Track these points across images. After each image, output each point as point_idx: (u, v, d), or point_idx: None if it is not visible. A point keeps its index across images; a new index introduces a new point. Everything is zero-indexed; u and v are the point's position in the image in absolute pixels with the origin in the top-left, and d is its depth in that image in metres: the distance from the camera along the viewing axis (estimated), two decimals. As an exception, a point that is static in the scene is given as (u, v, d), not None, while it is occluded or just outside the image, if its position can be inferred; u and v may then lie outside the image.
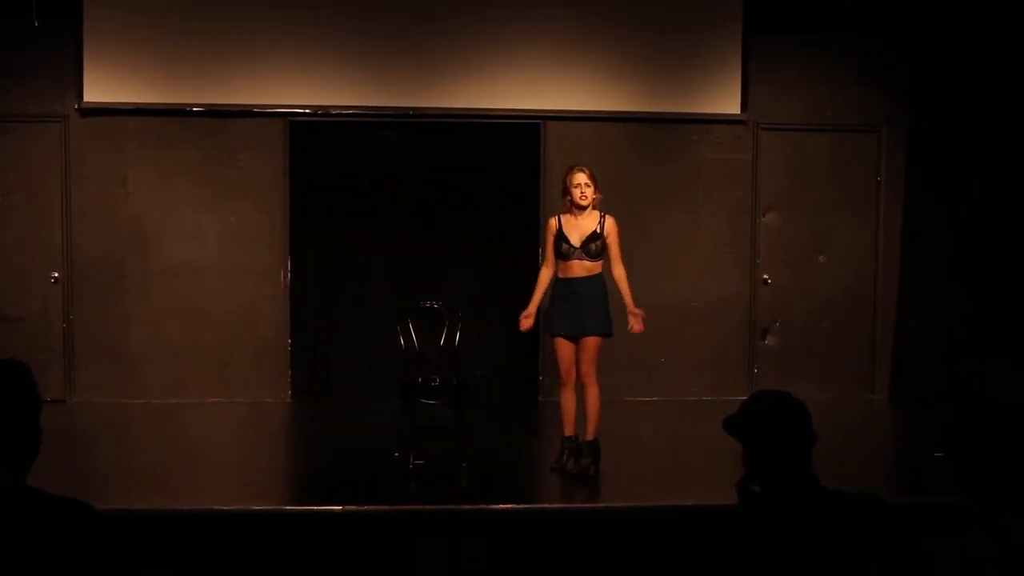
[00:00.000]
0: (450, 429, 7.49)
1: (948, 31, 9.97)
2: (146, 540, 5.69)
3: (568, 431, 7.22)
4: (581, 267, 7.09)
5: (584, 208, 7.10)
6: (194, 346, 9.96)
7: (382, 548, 5.92)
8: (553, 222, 7.26)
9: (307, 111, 9.91)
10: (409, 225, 10.30)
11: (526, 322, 7.32)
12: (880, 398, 10.39)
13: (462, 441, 7.23)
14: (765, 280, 10.36)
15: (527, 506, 6.39)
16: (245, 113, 9.89)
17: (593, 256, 7.08)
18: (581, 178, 7.09)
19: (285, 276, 10.03)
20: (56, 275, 9.86)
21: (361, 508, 6.14)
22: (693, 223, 10.30)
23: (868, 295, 10.49)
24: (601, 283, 7.13)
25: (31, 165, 9.83)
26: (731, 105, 10.18)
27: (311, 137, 10.03)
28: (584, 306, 7.06)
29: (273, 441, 8.85)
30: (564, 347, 7.18)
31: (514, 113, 10.06)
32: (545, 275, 7.31)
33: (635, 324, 7.19)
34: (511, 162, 10.27)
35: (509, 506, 6.26)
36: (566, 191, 7.18)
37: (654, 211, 10.19)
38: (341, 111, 9.94)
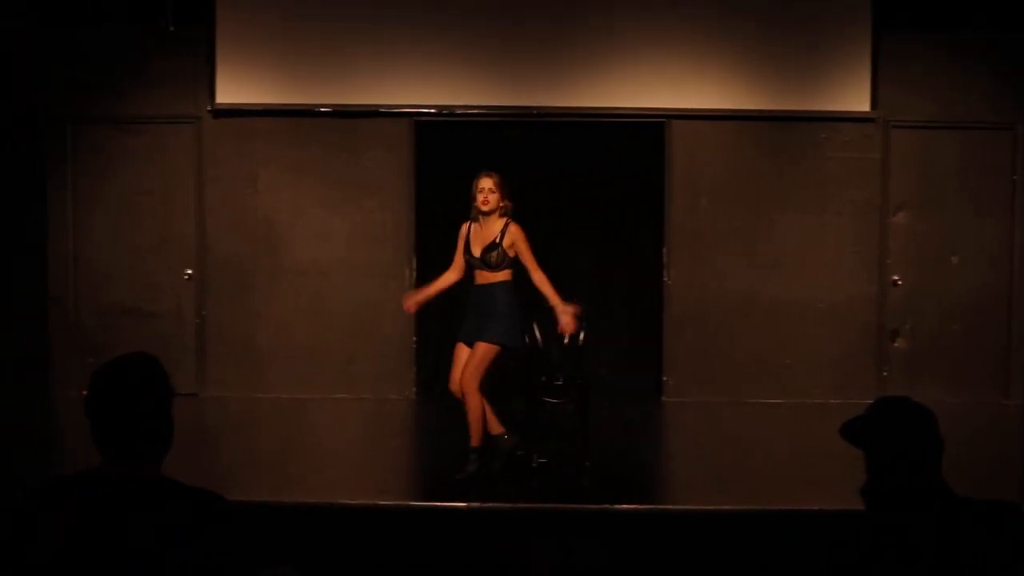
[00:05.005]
0: (574, 428, 7.47)
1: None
2: (272, 532, 5.78)
3: (475, 442, 6.96)
4: (483, 276, 6.98)
5: (487, 214, 6.98)
6: (321, 343, 10.13)
7: (504, 546, 5.93)
8: (464, 228, 7.17)
9: (432, 111, 10.00)
10: (532, 224, 10.30)
11: (408, 301, 7.39)
12: (1014, 403, 10.06)
13: (585, 440, 7.21)
14: (895, 281, 10.14)
15: (650, 507, 6.35)
16: (372, 113, 10.02)
17: (492, 266, 6.93)
18: (486, 183, 6.96)
19: (410, 274, 10.13)
20: (189, 272, 10.12)
21: (484, 505, 6.17)
22: (820, 223, 10.11)
23: (1002, 297, 10.18)
24: (505, 292, 6.94)
25: (166, 165, 10.12)
26: (860, 103, 9.98)
27: (436, 136, 10.12)
28: (484, 313, 6.93)
29: (397, 437, 8.94)
30: (458, 352, 7.05)
31: (639, 112, 10.00)
32: (445, 277, 7.24)
33: (566, 323, 6.89)
34: (635, 161, 10.22)
35: (631, 507, 6.24)
36: (472, 196, 7.05)
37: (780, 210, 10.06)
38: (466, 111, 10.01)
